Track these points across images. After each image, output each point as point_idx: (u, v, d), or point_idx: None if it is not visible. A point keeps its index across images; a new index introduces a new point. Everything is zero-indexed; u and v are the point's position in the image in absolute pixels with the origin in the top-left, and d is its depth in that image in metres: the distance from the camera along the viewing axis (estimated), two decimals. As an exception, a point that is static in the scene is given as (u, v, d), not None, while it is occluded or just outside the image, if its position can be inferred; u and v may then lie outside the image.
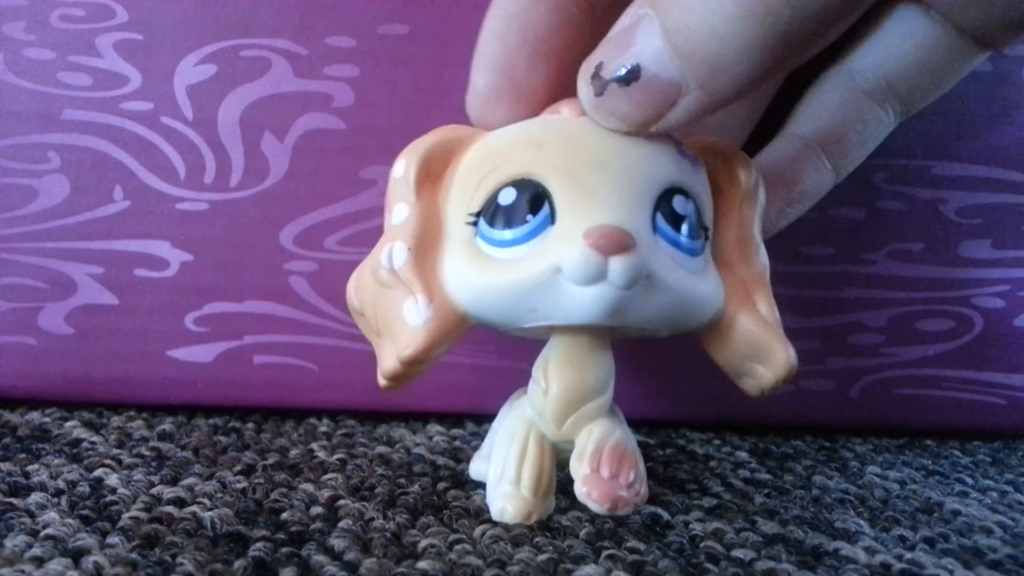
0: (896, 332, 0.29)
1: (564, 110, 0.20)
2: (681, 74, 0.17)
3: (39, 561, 0.17)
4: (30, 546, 0.17)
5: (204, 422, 0.27)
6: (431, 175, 0.20)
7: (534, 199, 0.18)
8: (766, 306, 0.20)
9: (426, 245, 0.20)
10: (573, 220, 0.18)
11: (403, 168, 0.20)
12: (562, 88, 0.20)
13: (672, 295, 0.19)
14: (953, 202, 0.29)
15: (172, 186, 0.27)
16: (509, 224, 0.19)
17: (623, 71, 0.17)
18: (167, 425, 0.27)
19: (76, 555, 0.17)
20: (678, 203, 0.19)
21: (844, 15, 0.17)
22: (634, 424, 0.30)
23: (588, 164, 0.18)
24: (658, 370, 0.29)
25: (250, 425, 0.27)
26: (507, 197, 0.19)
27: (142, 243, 0.27)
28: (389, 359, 0.19)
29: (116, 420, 0.27)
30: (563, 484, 0.21)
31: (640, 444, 0.28)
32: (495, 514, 0.20)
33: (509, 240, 0.19)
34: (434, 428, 0.28)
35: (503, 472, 0.20)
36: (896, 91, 0.23)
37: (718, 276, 0.20)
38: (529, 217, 0.18)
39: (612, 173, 0.18)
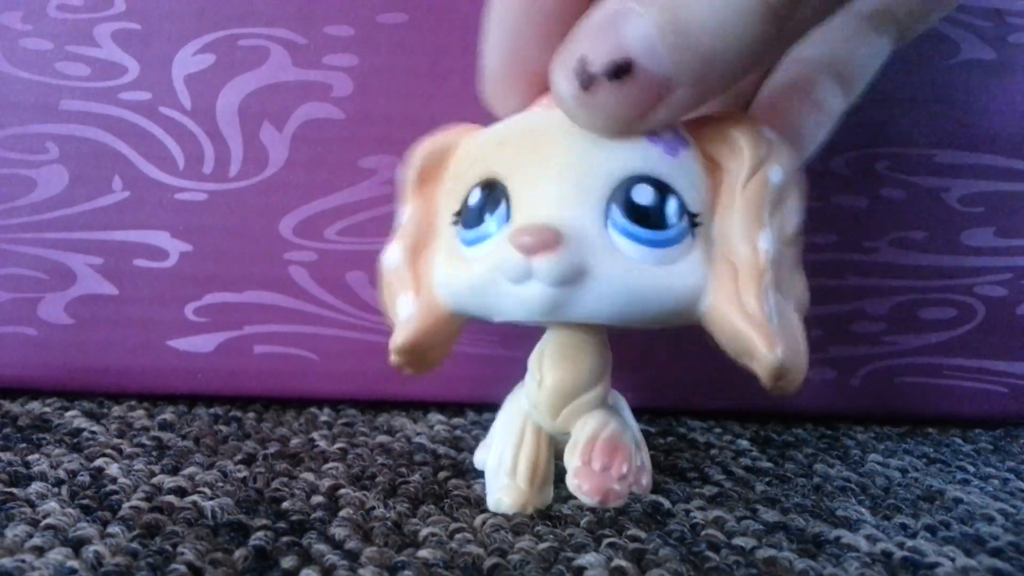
0: (898, 320, 0.29)
1: (544, 102, 0.19)
2: (674, 69, 0.16)
3: (39, 551, 0.17)
4: (30, 536, 0.17)
5: (205, 412, 0.27)
6: (427, 178, 0.21)
7: (493, 198, 0.19)
8: (753, 299, 0.18)
9: (422, 244, 0.21)
10: (518, 219, 0.18)
11: (405, 172, 0.21)
12: None
13: (619, 290, 0.18)
14: (956, 190, 0.29)
15: (171, 176, 0.27)
16: (474, 223, 0.19)
17: (614, 64, 0.17)
18: (168, 415, 0.27)
19: (76, 545, 0.17)
20: (639, 193, 0.18)
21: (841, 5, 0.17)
22: (635, 412, 0.30)
23: (539, 159, 0.18)
24: (659, 358, 0.29)
25: (251, 414, 0.27)
26: (473, 197, 0.19)
27: (141, 233, 0.27)
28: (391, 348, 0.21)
29: (117, 410, 0.27)
30: (561, 473, 0.21)
31: (641, 432, 0.28)
32: (491, 505, 0.20)
33: (473, 239, 0.19)
34: (435, 417, 0.28)
35: (500, 463, 0.20)
36: (894, 16, 0.22)
37: (701, 265, 0.18)
38: (487, 216, 0.19)
39: (561, 167, 0.18)
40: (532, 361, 0.21)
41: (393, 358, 0.20)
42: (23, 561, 0.16)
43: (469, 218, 0.19)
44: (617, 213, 0.18)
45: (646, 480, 0.21)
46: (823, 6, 0.16)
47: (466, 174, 0.20)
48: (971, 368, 0.30)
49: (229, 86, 0.27)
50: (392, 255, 0.21)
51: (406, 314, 0.20)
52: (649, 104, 0.17)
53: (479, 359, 0.28)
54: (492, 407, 0.23)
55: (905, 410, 0.30)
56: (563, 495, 0.21)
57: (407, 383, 0.28)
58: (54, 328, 0.28)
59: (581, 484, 0.19)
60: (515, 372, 0.23)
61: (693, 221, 0.19)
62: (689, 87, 0.17)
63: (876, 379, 0.29)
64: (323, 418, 0.28)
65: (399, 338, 0.20)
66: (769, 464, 0.25)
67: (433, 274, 0.20)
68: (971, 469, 0.26)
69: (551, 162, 0.18)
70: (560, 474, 0.21)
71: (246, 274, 0.28)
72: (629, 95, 0.17)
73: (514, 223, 0.18)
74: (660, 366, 0.29)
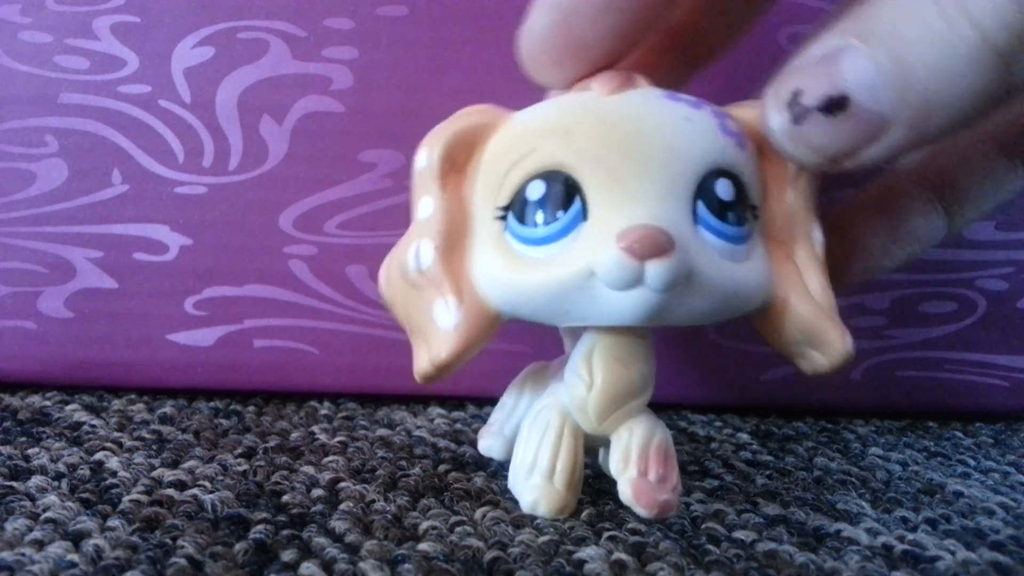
0: (899, 314, 0.29)
1: (595, 86, 0.18)
2: (892, 109, 0.16)
3: (39, 544, 0.17)
4: (30, 529, 0.17)
5: (205, 405, 0.27)
6: (456, 165, 0.19)
7: (564, 193, 0.17)
8: (819, 287, 0.19)
9: (454, 240, 0.19)
10: (606, 217, 0.17)
11: (426, 158, 0.19)
12: (623, 48, 0.19)
13: (716, 291, 0.17)
14: (956, 183, 0.28)
15: (171, 170, 0.27)
16: (539, 221, 0.18)
17: (829, 99, 0.16)
18: (168, 408, 0.27)
19: (76, 538, 0.17)
20: (721, 188, 0.18)
21: None
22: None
23: (621, 152, 0.17)
24: (660, 352, 0.29)
25: (251, 408, 0.27)
26: (535, 191, 0.18)
27: (141, 227, 0.27)
28: (423, 361, 0.19)
29: (117, 403, 0.27)
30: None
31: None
32: (527, 507, 0.19)
33: (540, 238, 0.18)
34: (435, 411, 0.28)
35: (535, 463, 0.19)
36: None
37: (766, 258, 0.19)
38: (560, 213, 0.17)
39: (647, 161, 0.17)
40: (580, 361, 0.19)
41: (431, 372, 0.19)
42: (23, 555, 0.16)
43: (530, 214, 0.18)
44: (704, 210, 0.17)
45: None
46: None
47: (517, 164, 0.18)
48: (972, 362, 0.29)
49: (229, 79, 0.27)
50: (423, 255, 0.19)
51: (450, 323, 0.18)
52: (861, 142, 0.16)
53: (479, 353, 0.28)
54: (492, 401, 0.23)
55: (906, 404, 0.30)
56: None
57: (407, 377, 0.28)
58: (54, 322, 0.27)
59: (638, 497, 0.18)
60: (515, 366, 0.23)
61: (754, 214, 0.19)
62: (905, 128, 0.16)
63: (877, 373, 0.29)
64: (323, 412, 0.28)
65: (444, 351, 0.18)
66: (770, 458, 0.25)
67: (474, 275, 0.19)
68: (972, 463, 0.26)
69: (634, 155, 0.17)
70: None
71: (246, 268, 0.28)
72: (841, 131, 0.16)
73: (598, 221, 0.17)
74: (661, 360, 0.29)
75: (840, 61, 0.16)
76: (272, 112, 0.27)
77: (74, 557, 0.16)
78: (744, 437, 0.27)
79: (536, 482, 0.19)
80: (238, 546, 0.17)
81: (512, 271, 0.18)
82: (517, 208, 0.18)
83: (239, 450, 0.23)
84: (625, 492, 0.18)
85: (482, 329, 0.19)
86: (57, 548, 0.16)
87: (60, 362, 0.28)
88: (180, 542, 0.17)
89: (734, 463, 0.24)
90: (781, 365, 0.29)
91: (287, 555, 0.17)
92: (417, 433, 0.26)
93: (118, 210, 0.27)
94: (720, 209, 0.18)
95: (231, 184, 0.27)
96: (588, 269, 0.17)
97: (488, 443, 0.22)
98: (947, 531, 0.20)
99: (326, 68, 0.27)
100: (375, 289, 0.20)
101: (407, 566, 0.17)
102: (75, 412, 0.26)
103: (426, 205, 0.19)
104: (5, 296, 0.27)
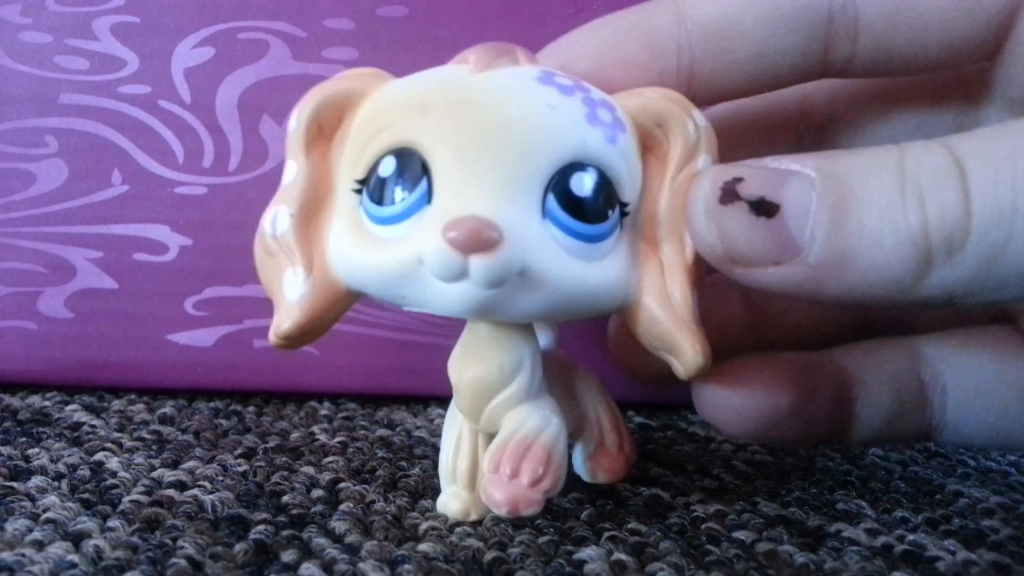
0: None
1: (470, 59, 0.18)
2: (810, 245, 0.16)
3: (39, 545, 0.17)
4: (31, 530, 0.17)
5: (205, 405, 0.27)
6: (324, 131, 0.18)
7: (412, 173, 0.16)
8: (680, 294, 0.18)
9: (313, 209, 0.18)
10: (447, 203, 0.16)
11: (294, 122, 0.18)
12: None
13: (554, 289, 0.17)
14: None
15: (171, 170, 0.27)
16: (386, 199, 0.17)
17: (762, 200, 0.16)
18: (168, 409, 0.27)
19: (76, 539, 0.17)
20: (577, 183, 0.17)
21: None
22: (635, 406, 0.30)
23: (474, 136, 0.16)
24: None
25: (251, 408, 0.27)
26: (386, 168, 0.17)
27: (141, 227, 0.27)
28: (272, 330, 0.18)
29: (117, 404, 0.27)
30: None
31: (641, 426, 0.28)
32: (439, 509, 0.20)
33: (385, 217, 0.17)
34: (435, 411, 0.28)
35: (444, 468, 0.20)
36: None
37: (629, 258, 0.18)
38: (406, 194, 0.16)
39: (499, 148, 0.16)
40: (450, 363, 0.19)
41: (276, 342, 0.18)
42: (23, 555, 0.16)
43: (379, 191, 0.17)
44: (555, 204, 0.16)
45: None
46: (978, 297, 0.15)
47: (375, 137, 0.17)
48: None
49: (229, 79, 0.27)
50: (279, 221, 0.18)
51: (295, 295, 0.18)
52: (766, 258, 0.16)
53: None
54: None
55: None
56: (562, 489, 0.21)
57: (407, 377, 0.28)
58: (54, 322, 0.27)
59: (488, 494, 0.17)
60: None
61: (623, 211, 0.18)
62: (809, 270, 0.16)
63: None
64: (323, 412, 0.28)
65: (286, 323, 0.18)
66: (769, 458, 0.25)
67: (327, 247, 0.18)
68: (972, 463, 0.26)
69: (486, 141, 0.16)
70: None
71: (246, 268, 0.27)
72: (755, 235, 0.16)
73: (438, 206, 0.16)
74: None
75: (789, 178, 0.16)
76: (272, 112, 0.27)
77: (74, 558, 0.16)
78: (744, 437, 0.27)
79: (446, 486, 0.20)
80: (238, 546, 0.17)
81: (358, 248, 0.17)
82: (370, 183, 0.17)
83: (239, 450, 0.23)
84: (480, 493, 0.18)
85: (329, 303, 0.18)
86: (57, 548, 0.16)
87: (60, 362, 0.28)
88: (180, 542, 0.17)
89: (734, 463, 0.24)
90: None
91: (287, 556, 0.17)
92: (417, 433, 0.26)
93: (118, 210, 0.27)
94: (574, 205, 0.17)
95: (231, 184, 0.27)
96: (418, 256, 0.16)
97: None
98: (947, 531, 0.20)
99: (326, 68, 0.27)
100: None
101: (407, 567, 0.17)
102: (75, 412, 0.26)
103: (289, 170, 0.19)
104: (5, 296, 0.27)
